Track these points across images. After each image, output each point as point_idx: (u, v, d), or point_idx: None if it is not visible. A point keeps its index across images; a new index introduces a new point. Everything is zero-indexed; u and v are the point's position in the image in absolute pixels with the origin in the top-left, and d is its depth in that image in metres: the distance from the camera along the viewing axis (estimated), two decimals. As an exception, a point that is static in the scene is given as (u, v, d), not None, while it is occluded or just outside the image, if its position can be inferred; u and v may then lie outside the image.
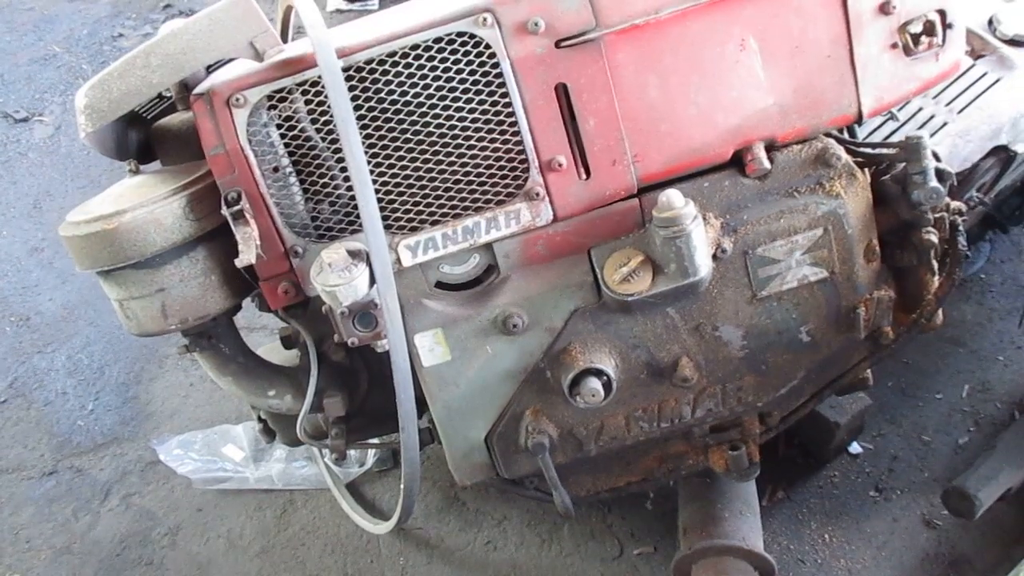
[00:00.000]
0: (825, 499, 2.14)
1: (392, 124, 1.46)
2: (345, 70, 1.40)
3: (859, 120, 1.54)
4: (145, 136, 1.76)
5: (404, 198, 1.50)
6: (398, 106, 1.44)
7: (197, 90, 1.45)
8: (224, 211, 1.45)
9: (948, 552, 1.99)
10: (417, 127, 1.46)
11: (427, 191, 1.50)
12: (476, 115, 1.45)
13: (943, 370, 2.37)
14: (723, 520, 1.86)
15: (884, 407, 2.28)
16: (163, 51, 1.41)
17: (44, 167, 3.94)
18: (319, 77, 1.39)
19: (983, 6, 2.07)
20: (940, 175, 1.54)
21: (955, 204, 1.61)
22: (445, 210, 1.51)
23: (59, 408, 2.85)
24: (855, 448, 2.22)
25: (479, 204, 1.51)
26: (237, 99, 1.43)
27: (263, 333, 2.83)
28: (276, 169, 1.48)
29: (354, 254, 1.43)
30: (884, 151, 1.59)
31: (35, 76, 4.51)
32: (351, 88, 1.42)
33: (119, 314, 1.59)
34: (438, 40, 1.41)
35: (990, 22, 2.05)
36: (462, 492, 2.29)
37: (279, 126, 1.47)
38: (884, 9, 1.47)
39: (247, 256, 1.40)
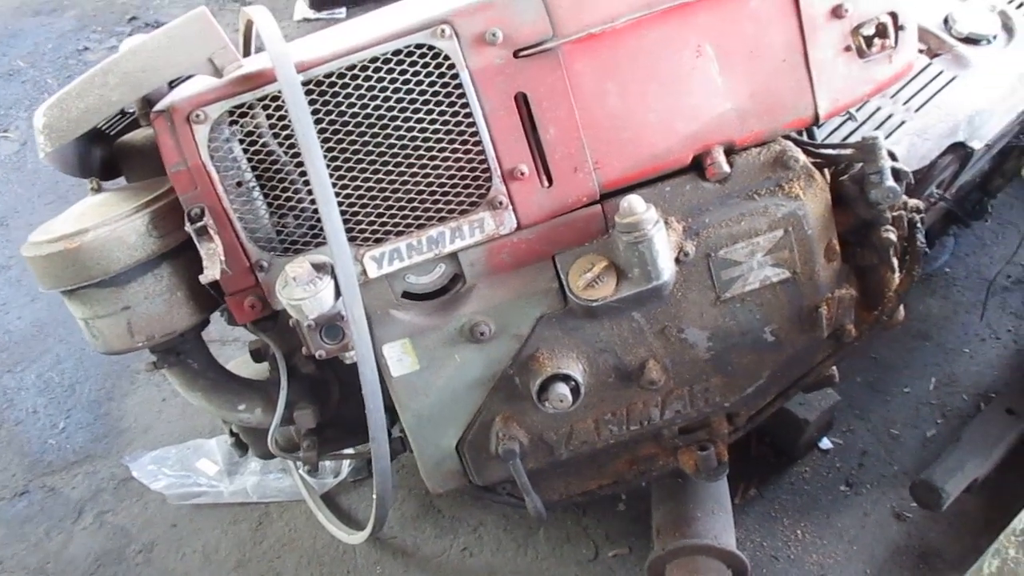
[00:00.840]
0: (796, 495, 2.17)
1: (354, 137, 1.46)
2: (305, 84, 1.41)
3: (816, 122, 1.56)
4: (109, 153, 1.75)
5: (368, 210, 1.50)
6: (359, 119, 1.45)
7: (157, 107, 1.45)
8: (188, 227, 1.45)
9: (918, 544, 2.02)
10: (379, 139, 1.46)
11: (391, 202, 1.50)
12: (437, 126, 1.46)
13: (910, 364, 2.40)
14: (695, 520, 1.87)
15: (853, 402, 2.31)
16: (121, 69, 1.40)
17: (11, 183, 3.91)
18: (279, 91, 1.40)
19: (938, 5, 2.10)
20: (896, 174, 1.56)
21: (913, 202, 1.64)
22: (409, 221, 1.51)
23: (30, 427, 2.82)
24: (825, 444, 2.25)
25: (443, 214, 1.51)
26: (197, 115, 1.42)
27: (236, 346, 2.82)
28: (239, 184, 1.48)
29: (319, 267, 1.44)
30: (841, 152, 1.62)
31: (0, 92, 4.47)
32: (311, 102, 1.42)
33: (85, 333, 1.59)
34: (397, 52, 1.42)
35: (945, 21, 2.08)
36: (437, 499, 2.30)
37: (241, 141, 1.47)
38: (836, 13, 1.49)
39: (211, 272, 1.40)
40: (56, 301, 3.09)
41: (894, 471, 2.17)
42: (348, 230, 1.48)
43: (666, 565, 1.87)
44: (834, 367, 1.78)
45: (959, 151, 1.96)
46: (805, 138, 1.68)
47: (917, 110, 1.95)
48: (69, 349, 3.05)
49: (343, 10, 4.48)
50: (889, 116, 1.95)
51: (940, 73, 2.00)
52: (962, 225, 2.65)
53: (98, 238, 1.46)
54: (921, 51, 2.03)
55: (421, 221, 1.51)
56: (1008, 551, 1.47)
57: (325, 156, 1.42)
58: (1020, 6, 2.11)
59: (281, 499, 2.39)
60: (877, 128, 1.93)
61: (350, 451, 2.14)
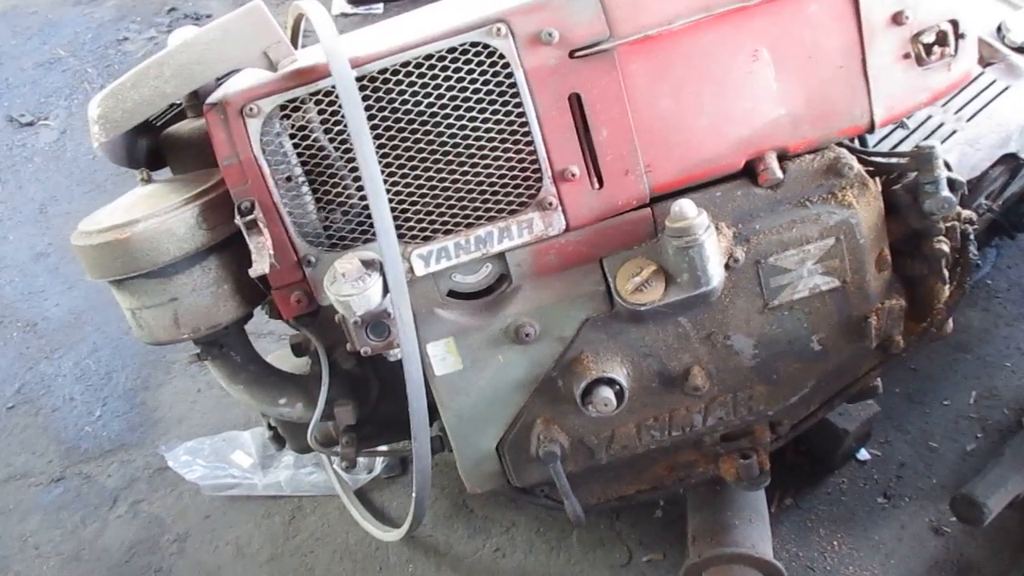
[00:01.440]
0: (833, 506, 2.14)
1: (406, 134, 1.46)
2: (358, 80, 1.40)
3: (871, 130, 1.54)
4: (154, 143, 1.76)
5: (417, 207, 1.50)
6: (412, 116, 1.45)
7: (210, 100, 1.45)
8: (238, 221, 1.45)
9: (956, 559, 1.99)
10: (431, 137, 1.46)
11: (440, 201, 1.50)
12: (490, 125, 1.45)
13: (950, 376, 2.37)
14: (733, 528, 1.86)
15: (891, 414, 2.28)
16: (176, 61, 1.41)
17: (49, 171, 3.95)
18: (333, 87, 1.40)
19: (992, 13, 2.07)
20: (952, 185, 1.54)
21: (966, 213, 1.61)
22: (458, 219, 1.51)
23: (66, 414, 2.85)
24: (863, 455, 2.22)
25: (492, 214, 1.51)
26: (251, 109, 1.43)
27: (271, 339, 2.83)
28: (289, 179, 1.48)
29: (367, 264, 1.43)
30: (895, 160, 1.60)
31: (40, 80, 4.52)
32: (364, 98, 1.42)
33: (131, 323, 1.59)
34: (452, 50, 1.41)
35: (998, 29, 2.05)
36: (470, 499, 2.29)
37: (292, 136, 1.47)
38: (897, 19, 1.47)
39: (261, 266, 1.41)
40: (94, 289, 3.15)
41: (932, 484, 2.14)
42: (396, 227, 1.47)
43: (702, 572, 1.86)
44: (878, 378, 1.76)
45: (1010, 162, 1.94)
46: (858, 145, 1.66)
47: (969, 119, 1.93)
48: (106, 337, 3.08)
49: (380, 5, 4.49)
50: (940, 125, 1.93)
51: (993, 82, 1.98)
52: (1005, 236, 2.61)
53: (148, 229, 1.47)
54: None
55: (470, 220, 1.51)
56: (1056, 570, 1.45)
57: (376, 152, 1.41)
58: (1077, 15, 2.08)
59: (314, 494, 2.40)
60: (927, 137, 1.91)
61: (385, 448, 2.14)
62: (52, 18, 5.01)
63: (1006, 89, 1.97)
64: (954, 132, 1.91)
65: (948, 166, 1.55)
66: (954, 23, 1.49)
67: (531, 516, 2.23)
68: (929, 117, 1.94)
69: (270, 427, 1.97)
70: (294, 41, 1.87)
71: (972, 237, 1.61)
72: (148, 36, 4.72)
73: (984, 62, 2.02)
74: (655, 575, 2.07)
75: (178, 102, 1.72)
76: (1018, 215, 2.43)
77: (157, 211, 1.49)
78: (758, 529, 1.88)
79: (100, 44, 4.72)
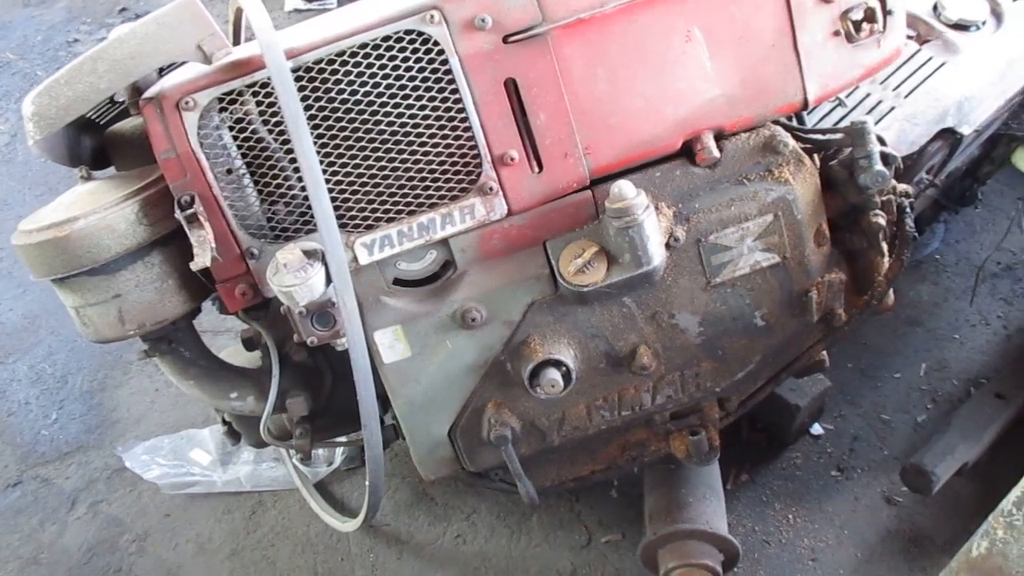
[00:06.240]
0: (788, 480, 2.18)
1: (344, 123, 1.46)
2: (294, 71, 1.40)
3: (805, 107, 1.56)
4: (99, 142, 1.75)
5: (358, 196, 1.50)
6: (349, 105, 1.45)
7: (146, 94, 1.44)
8: (178, 215, 1.45)
9: (908, 528, 2.04)
10: (369, 125, 1.46)
11: (381, 189, 1.50)
12: (427, 112, 1.46)
13: (901, 350, 2.41)
14: (687, 505, 1.88)
15: (844, 388, 2.32)
16: (110, 56, 1.40)
17: (0, 176, 3.89)
18: (269, 78, 1.39)
19: (927, -8, 2.11)
20: (885, 159, 1.57)
21: (902, 187, 1.65)
22: (400, 207, 1.51)
23: (22, 418, 2.82)
24: (816, 429, 2.26)
25: (433, 200, 1.51)
26: (187, 102, 1.42)
27: (228, 336, 2.81)
28: (229, 171, 1.48)
29: (309, 254, 1.43)
30: (830, 137, 1.62)
31: (-11, 84, 4.46)
32: (301, 89, 1.42)
33: (76, 321, 1.58)
34: (386, 38, 1.41)
35: (935, 7, 2.08)
36: (431, 487, 2.30)
37: (231, 128, 1.46)
38: (825, -3, 1.49)
39: (202, 259, 1.40)
40: (48, 292, 3.10)
41: (885, 456, 2.19)
42: (338, 217, 1.47)
43: (658, 550, 1.88)
44: (825, 352, 1.79)
45: (948, 137, 1.97)
46: (795, 123, 1.68)
47: (907, 96, 1.96)
48: (61, 340, 3.04)
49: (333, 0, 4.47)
50: (879, 102, 1.96)
51: (929, 59, 2.00)
52: (952, 212, 2.66)
53: (87, 226, 1.46)
54: (911, 37, 2.03)
55: (411, 207, 1.51)
56: (996, 532, 1.48)
57: (315, 142, 1.42)
58: (1009, -8, 2.12)
59: (274, 488, 2.39)
60: (867, 114, 1.93)
61: (343, 439, 2.14)
62: (1, 21, 4.94)
63: (942, 65, 2.00)
64: (892, 109, 1.94)
65: (881, 140, 1.57)
66: (882, 0, 1.52)
67: (492, 502, 2.24)
68: (868, 95, 1.97)
69: (224, 422, 1.96)
70: (236, 35, 1.86)
71: (909, 210, 1.64)
72: (99, 37, 4.66)
73: (921, 39, 2.06)
74: (615, 555, 2.09)
75: (121, 99, 1.71)
76: (961, 190, 2.48)
77: (97, 208, 1.47)
78: (712, 505, 1.91)
79: (50, 46, 4.66)
